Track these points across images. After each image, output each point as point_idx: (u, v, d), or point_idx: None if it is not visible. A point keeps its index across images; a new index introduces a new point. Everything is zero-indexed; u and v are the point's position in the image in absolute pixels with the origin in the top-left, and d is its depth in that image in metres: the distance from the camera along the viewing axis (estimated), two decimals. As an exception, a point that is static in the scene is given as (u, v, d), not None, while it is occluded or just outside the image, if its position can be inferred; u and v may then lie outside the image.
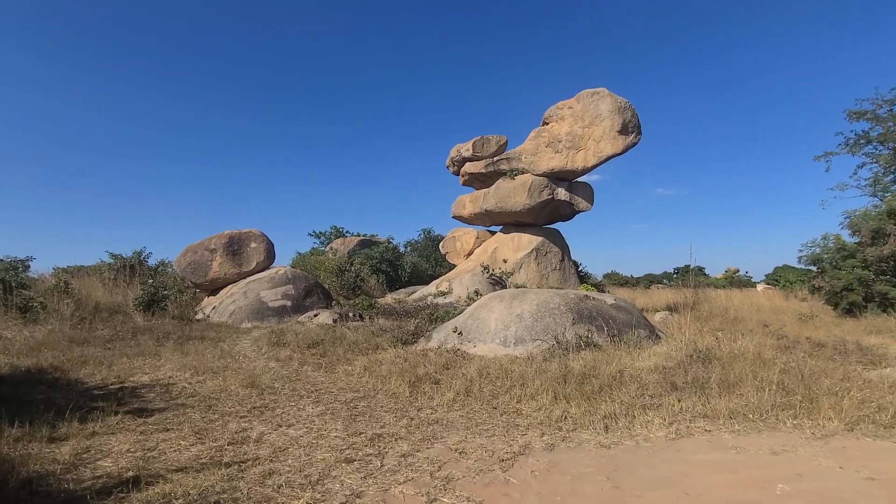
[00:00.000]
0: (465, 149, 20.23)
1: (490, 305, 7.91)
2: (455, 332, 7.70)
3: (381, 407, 4.74)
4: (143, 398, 5.12)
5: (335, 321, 10.23)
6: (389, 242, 27.60)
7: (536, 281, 17.39)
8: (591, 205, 18.88)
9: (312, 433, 3.94)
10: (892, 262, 13.62)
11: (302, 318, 11.41)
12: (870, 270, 13.83)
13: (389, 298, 17.04)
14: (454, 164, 21.42)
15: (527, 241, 18.55)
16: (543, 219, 18.74)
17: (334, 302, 12.53)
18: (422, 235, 29.17)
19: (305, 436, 3.88)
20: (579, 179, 18.52)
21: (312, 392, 5.33)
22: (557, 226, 19.83)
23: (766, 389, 4.70)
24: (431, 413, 4.52)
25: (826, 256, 14.61)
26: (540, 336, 7.07)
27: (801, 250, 15.79)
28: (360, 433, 3.90)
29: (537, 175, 17.80)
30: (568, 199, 17.96)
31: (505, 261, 16.63)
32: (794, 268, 40.42)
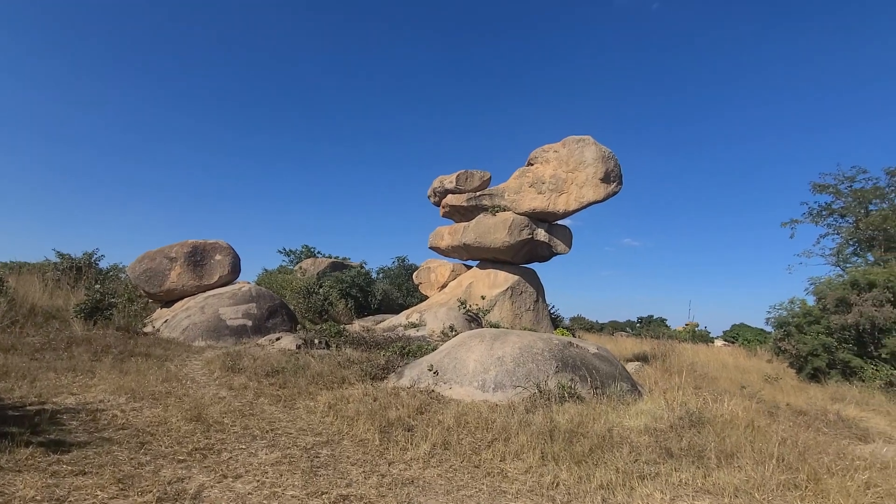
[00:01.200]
0: (449, 181, 20.14)
1: (469, 345, 7.43)
2: (430, 370, 7.14)
3: (348, 457, 4.12)
4: (63, 427, 4.31)
5: (299, 347, 9.47)
6: (362, 267, 26.86)
7: (509, 320, 17.04)
8: (570, 248, 18.93)
9: (264, 489, 3.30)
10: (853, 332, 14.00)
11: (262, 340, 10.56)
12: (833, 338, 14.15)
13: (357, 325, 16.27)
14: (436, 195, 21.26)
15: (503, 279, 18.30)
16: (521, 258, 18.61)
17: (299, 326, 11.75)
18: (395, 263, 28.59)
19: (256, 492, 3.24)
20: (559, 222, 18.61)
21: (268, 432, 4.65)
22: (533, 266, 19.73)
23: (766, 463, 4.38)
24: (405, 469, 3.94)
25: (793, 320, 14.93)
26: (521, 382, 6.61)
27: (769, 312, 16.12)
28: (323, 493, 3.29)
29: (519, 214, 17.78)
30: (547, 241, 17.94)
31: (483, 297, 16.23)
32: (750, 326, 42.01)
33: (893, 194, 17.46)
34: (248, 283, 14.15)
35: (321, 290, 18.62)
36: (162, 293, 12.90)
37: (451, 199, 19.85)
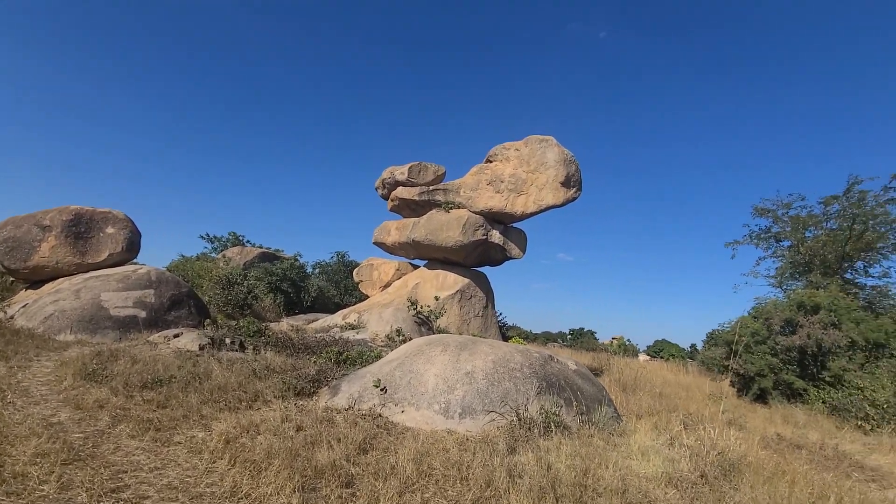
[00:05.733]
0: (400, 172, 18.51)
1: (428, 354, 5.83)
2: (377, 387, 5.46)
3: (240, 551, 2.37)
4: None
5: (202, 348, 7.35)
6: (295, 260, 24.30)
7: (457, 326, 15.67)
8: (524, 253, 17.97)
9: None
10: (796, 353, 14.05)
11: (156, 336, 8.26)
12: (778, 358, 14.13)
13: (285, 324, 14.08)
14: (385, 187, 19.53)
15: (452, 281, 16.92)
16: (473, 260, 17.34)
17: (208, 321, 9.51)
18: (334, 258, 26.27)
19: None
20: (514, 225, 17.58)
21: (104, 496, 2.75)
22: (484, 270, 18.56)
23: (841, 536, 3.21)
24: (342, 575, 2.27)
25: (741, 340, 14.81)
26: (496, 407, 5.12)
27: (719, 328, 15.99)
28: None
29: (474, 212, 16.52)
30: (501, 243, 16.78)
31: (437, 298, 14.70)
32: (670, 343, 44.44)
33: (827, 222, 18.23)
34: (150, 266, 11.57)
35: (245, 281, 16.13)
36: (27, 270, 10.04)
37: (401, 192, 18.21)
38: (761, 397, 13.96)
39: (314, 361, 7.19)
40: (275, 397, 5.27)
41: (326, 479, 3.24)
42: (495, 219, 16.66)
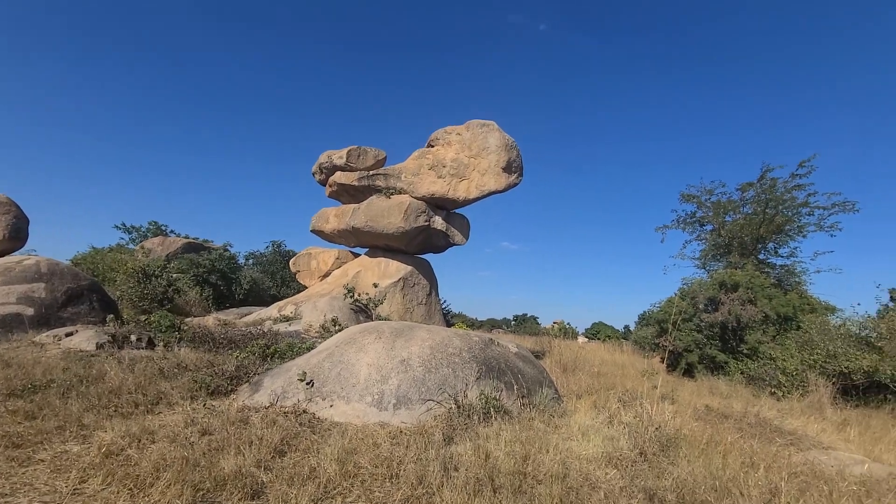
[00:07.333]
0: (338, 156, 17.66)
1: (361, 343, 5.39)
2: (303, 380, 4.94)
3: None
4: None
5: (101, 346, 6.42)
6: (225, 250, 22.66)
7: (400, 314, 15.27)
8: (467, 239, 17.79)
9: None
10: (719, 329, 15.03)
11: (45, 335, 7.15)
12: (703, 334, 15.04)
13: (211, 319, 12.97)
14: (322, 172, 18.58)
15: (394, 269, 16.44)
16: (415, 247, 16.93)
17: (110, 317, 8.38)
18: (270, 248, 24.80)
19: None
20: (457, 210, 17.36)
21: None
22: (427, 257, 18.23)
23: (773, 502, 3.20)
24: None
25: (672, 318, 15.61)
26: (434, 395, 4.79)
27: (650, 309, 16.74)
28: None
29: (416, 198, 16.07)
30: (444, 230, 16.50)
31: (376, 285, 14.15)
32: (607, 324, 46.88)
33: (743, 207, 19.66)
34: (39, 256, 10.09)
35: (165, 273, 14.68)
36: None
37: (339, 177, 17.38)
38: (689, 371, 14.83)
39: (236, 356, 6.51)
40: (182, 398, 4.61)
41: (228, 491, 2.74)
42: (438, 204, 16.33)
